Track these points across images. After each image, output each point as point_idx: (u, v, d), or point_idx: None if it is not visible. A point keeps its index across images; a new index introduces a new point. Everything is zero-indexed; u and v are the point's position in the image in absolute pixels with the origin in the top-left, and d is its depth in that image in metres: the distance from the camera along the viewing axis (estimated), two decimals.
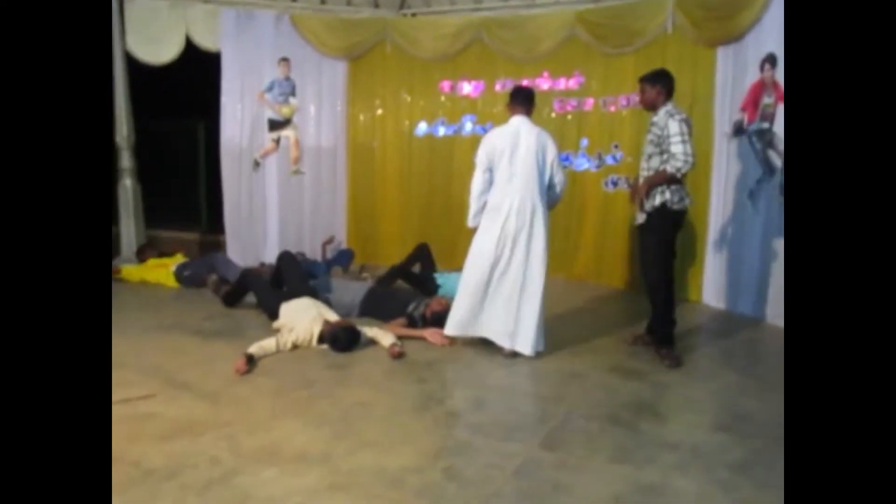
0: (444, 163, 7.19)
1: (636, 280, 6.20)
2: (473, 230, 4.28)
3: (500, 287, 4.14)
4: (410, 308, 4.85)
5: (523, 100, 4.27)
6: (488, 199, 4.18)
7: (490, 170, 4.16)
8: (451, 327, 4.31)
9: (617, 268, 6.34)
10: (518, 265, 4.09)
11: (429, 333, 4.31)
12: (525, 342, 4.15)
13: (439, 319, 4.71)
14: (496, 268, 4.13)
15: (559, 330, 4.85)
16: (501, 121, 6.54)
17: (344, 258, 6.56)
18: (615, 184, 6.35)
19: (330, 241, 6.87)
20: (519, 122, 4.21)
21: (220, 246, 7.22)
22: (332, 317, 4.45)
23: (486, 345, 4.48)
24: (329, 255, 6.79)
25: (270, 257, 6.61)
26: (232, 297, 5.38)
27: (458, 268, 4.45)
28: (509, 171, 4.12)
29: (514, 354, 4.20)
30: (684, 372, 4.07)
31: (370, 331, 4.38)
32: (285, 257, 5.27)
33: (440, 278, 5.64)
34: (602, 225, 6.41)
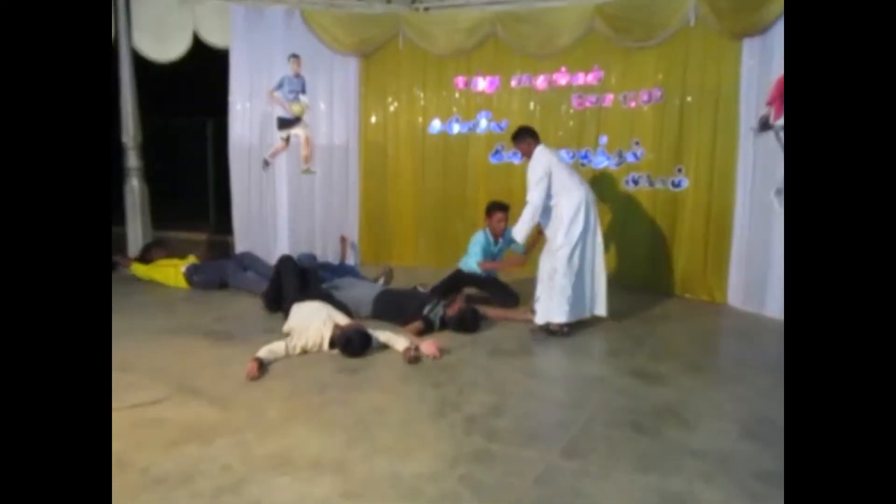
0: (459, 161, 7.18)
1: (660, 280, 6.18)
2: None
3: (592, 264, 4.88)
4: (427, 309, 4.83)
5: (531, 132, 5.06)
6: (560, 198, 4.79)
7: (548, 179, 4.81)
8: (565, 314, 4.71)
9: (638, 268, 6.30)
10: (595, 242, 4.86)
11: (425, 344, 4.27)
12: (603, 305, 4.93)
13: (462, 322, 4.73)
14: (586, 248, 4.81)
15: (577, 333, 4.84)
16: (518, 117, 6.59)
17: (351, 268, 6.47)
18: (636, 182, 6.30)
19: (344, 241, 6.85)
20: (543, 147, 5.00)
21: (228, 247, 7.23)
22: (343, 320, 4.44)
23: (502, 348, 4.47)
24: (349, 257, 6.76)
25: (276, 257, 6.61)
26: (274, 297, 5.18)
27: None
28: (567, 170, 4.96)
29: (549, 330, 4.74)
30: (710, 376, 4.03)
31: (383, 335, 4.37)
32: (285, 263, 5.25)
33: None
34: (622, 224, 6.36)
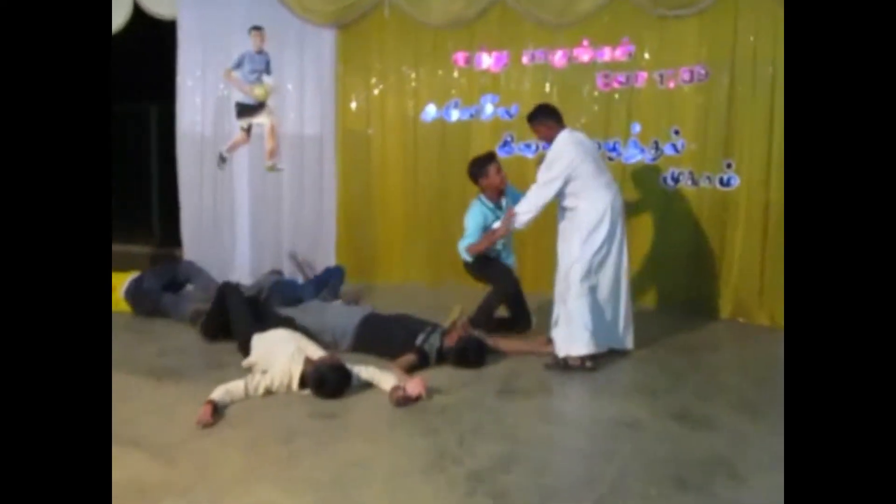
0: (459, 155, 7.15)
1: (706, 301, 6.19)
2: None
3: (617, 284, 4.92)
4: (420, 339, 4.82)
5: (552, 112, 5.07)
6: (579, 201, 4.83)
7: (565, 179, 4.83)
8: (586, 344, 4.69)
9: (679, 285, 6.33)
10: (621, 257, 4.90)
11: (410, 383, 4.24)
12: (629, 338, 5.02)
13: (463, 355, 4.73)
14: (607, 262, 4.84)
15: (604, 367, 4.84)
16: (531, 101, 6.56)
17: (333, 279, 6.48)
18: (676, 180, 6.32)
19: (271, 273, 6.63)
20: (569, 132, 5.01)
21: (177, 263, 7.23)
22: (316, 352, 4.42)
23: (513, 386, 4.46)
24: (308, 272, 6.77)
25: (239, 276, 6.60)
26: (212, 326, 5.27)
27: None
28: (596, 165, 4.94)
29: (589, 362, 4.74)
30: (769, 419, 4.02)
31: (366, 371, 4.36)
32: (227, 291, 5.23)
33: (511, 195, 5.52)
34: (660, 230, 6.38)
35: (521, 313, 5.59)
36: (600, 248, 4.78)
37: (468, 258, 5.48)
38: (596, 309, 4.79)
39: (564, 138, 4.92)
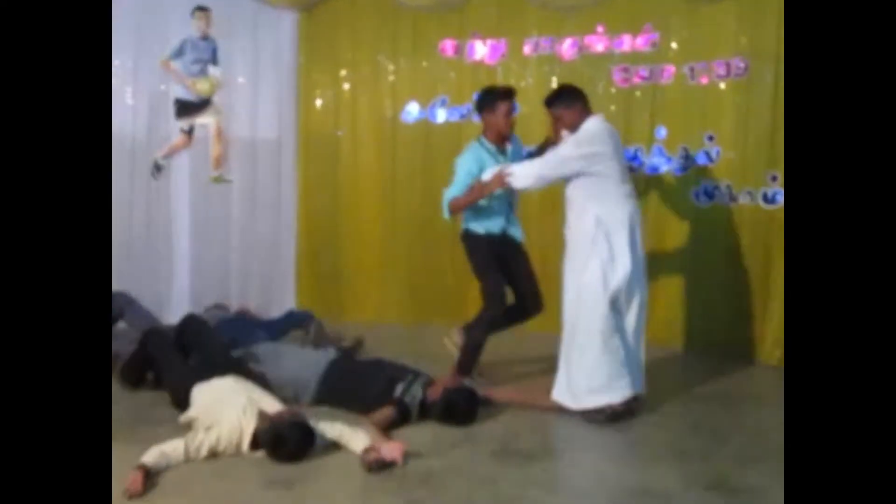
0: (447, 164, 7.06)
1: (747, 342, 6.18)
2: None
3: (639, 313, 4.94)
4: (399, 390, 4.79)
5: (580, 96, 5.05)
6: (590, 209, 4.83)
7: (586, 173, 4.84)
8: (625, 389, 4.77)
9: (714, 323, 6.33)
10: (639, 283, 4.92)
11: (386, 447, 4.18)
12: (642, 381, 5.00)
13: (450, 410, 4.71)
14: (619, 301, 4.84)
15: (624, 422, 4.83)
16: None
17: (296, 324, 6.39)
18: (710, 195, 6.35)
19: (216, 308, 6.62)
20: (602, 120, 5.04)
21: None
22: (272, 405, 4.39)
23: (512, 448, 4.44)
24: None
25: (177, 312, 6.53)
26: (132, 371, 5.28)
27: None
28: (621, 170, 4.95)
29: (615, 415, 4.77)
30: None
31: (332, 428, 4.33)
32: (191, 325, 5.23)
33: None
34: (690, 256, 6.42)
35: (527, 293, 5.50)
36: (627, 267, 4.80)
37: (447, 215, 5.37)
38: (612, 346, 4.79)
39: (598, 125, 4.93)
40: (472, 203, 5.22)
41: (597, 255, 4.78)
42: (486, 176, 5.06)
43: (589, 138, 4.84)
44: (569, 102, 5.00)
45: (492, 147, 5.34)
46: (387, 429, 4.51)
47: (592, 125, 4.90)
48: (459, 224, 6.01)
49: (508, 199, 5.37)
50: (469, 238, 5.45)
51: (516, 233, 5.51)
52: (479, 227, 5.39)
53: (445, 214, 5.34)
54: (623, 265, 4.78)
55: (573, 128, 4.95)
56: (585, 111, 4.99)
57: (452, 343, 5.47)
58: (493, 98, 5.31)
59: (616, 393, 4.77)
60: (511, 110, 5.29)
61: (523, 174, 4.91)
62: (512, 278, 5.46)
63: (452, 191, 5.28)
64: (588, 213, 4.83)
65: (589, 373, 4.77)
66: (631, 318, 4.89)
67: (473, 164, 5.26)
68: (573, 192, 4.91)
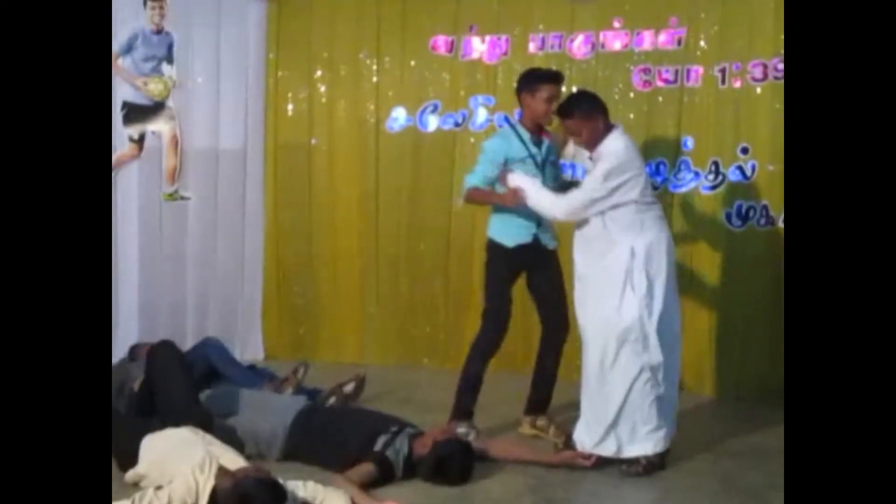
0: (439, 178, 7.29)
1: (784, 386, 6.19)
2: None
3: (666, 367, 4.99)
4: (381, 443, 4.81)
5: (601, 105, 5.10)
6: (631, 241, 4.91)
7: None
8: (661, 440, 4.90)
9: (751, 365, 6.41)
10: (675, 331, 5.09)
11: None
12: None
13: (442, 467, 4.73)
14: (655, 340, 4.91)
15: (639, 480, 4.90)
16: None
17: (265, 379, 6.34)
18: (745, 217, 6.43)
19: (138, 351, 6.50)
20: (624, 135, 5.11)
21: None
22: (235, 461, 4.40)
23: None
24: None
25: (121, 349, 6.52)
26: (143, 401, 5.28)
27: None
28: (649, 189, 5.11)
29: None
30: None
31: (305, 487, 4.33)
32: (161, 355, 5.24)
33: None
34: (723, 288, 6.50)
35: (550, 315, 5.59)
36: (664, 302, 4.93)
37: (461, 201, 5.54)
38: (662, 389, 4.92)
39: (624, 142, 4.98)
40: (489, 203, 5.43)
41: (633, 290, 4.86)
42: (512, 181, 5.18)
43: (619, 167, 4.87)
44: (590, 112, 4.99)
45: (526, 134, 5.42)
46: (367, 488, 4.52)
47: (617, 145, 4.94)
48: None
49: None
50: (492, 248, 5.53)
51: (548, 239, 5.54)
52: (506, 236, 5.44)
53: (460, 201, 5.52)
54: (660, 300, 4.89)
55: (592, 144, 5.00)
56: (607, 124, 5.03)
57: (535, 428, 5.57)
58: (535, 79, 5.37)
59: (650, 443, 4.87)
60: (553, 97, 5.31)
61: (547, 205, 5.07)
62: (536, 296, 5.60)
63: (472, 179, 5.43)
64: (620, 245, 4.90)
65: (626, 420, 4.86)
66: (667, 360, 4.93)
67: (500, 150, 5.37)
68: (598, 224, 4.96)
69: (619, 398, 4.86)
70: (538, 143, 5.42)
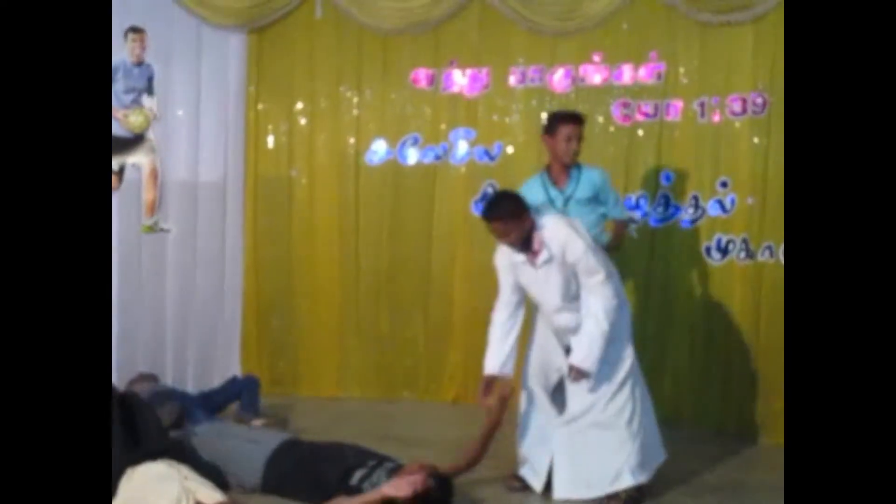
0: (419, 211, 7.32)
1: (773, 421, 6.18)
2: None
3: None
4: (356, 478, 4.80)
5: (522, 203, 5.04)
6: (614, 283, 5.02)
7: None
8: (620, 478, 4.93)
9: (731, 397, 6.41)
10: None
11: None
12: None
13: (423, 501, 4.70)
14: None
15: None
16: (521, 138, 6.73)
17: (245, 394, 6.40)
18: (724, 250, 6.45)
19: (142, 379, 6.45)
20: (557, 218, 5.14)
21: None
22: (211, 496, 4.39)
23: None
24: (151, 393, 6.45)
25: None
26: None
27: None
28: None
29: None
30: None
31: None
32: (130, 399, 5.21)
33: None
34: (703, 322, 6.51)
35: None
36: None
37: None
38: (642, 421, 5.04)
39: (558, 220, 5.03)
40: None
41: (623, 321, 5.07)
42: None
43: (577, 242, 4.86)
44: (517, 210, 4.91)
45: (549, 181, 5.49)
46: None
47: (557, 223, 4.98)
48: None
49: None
50: None
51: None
52: None
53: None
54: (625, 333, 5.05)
55: (522, 243, 4.92)
56: (531, 219, 4.95)
57: None
58: (554, 120, 5.48)
59: (630, 476, 4.90)
60: (572, 136, 5.39)
61: (595, 339, 4.89)
62: None
63: None
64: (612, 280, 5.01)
65: (610, 456, 4.92)
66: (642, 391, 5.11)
67: (531, 195, 5.35)
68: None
69: (605, 433, 4.98)
70: (562, 192, 5.47)
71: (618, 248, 5.73)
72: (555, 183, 5.48)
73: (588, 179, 5.49)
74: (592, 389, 4.95)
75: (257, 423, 5.98)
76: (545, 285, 4.97)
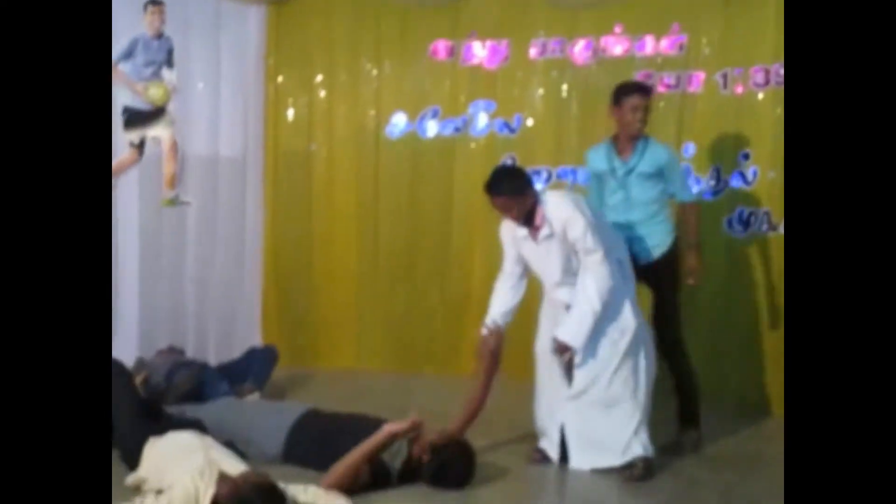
0: (439, 184, 7.33)
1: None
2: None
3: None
4: None
5: (525, 176, 5.27)
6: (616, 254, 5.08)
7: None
8: (633, 447, 4.96)
9: (752, 372, 6.40)
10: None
11: None
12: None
13: (442, 473, 4.72)
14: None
15: (639, 488, 4.89)
16: (541, 111, 6.72)
17: (258, 365, 6.48)
18: (746, 223, 6.43)
19: (143, 377, 6.49)
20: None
21: None
22: (235, 466, 4.37)
23: None
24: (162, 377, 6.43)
25: (124, 357, 6.49)
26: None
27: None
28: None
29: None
30: None
31: (306, 492, 4.33)
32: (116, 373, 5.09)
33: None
34: (723, 296, 6.49)
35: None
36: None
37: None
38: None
39: (560, 196, 5.20)
40: None
41: (626, 296, 5.05)
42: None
43: (577, 215, 4.86)
44: (520, 186, 5.02)
45: (614, 149, 5.48)
46: (360, 490, 4.52)
47: (560, 198, 5.10)
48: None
49: (618, 204, 5.51)
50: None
51: (643, 250, 5.51)
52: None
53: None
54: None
55: (525, 218, 4.99)
56: (533, 192, 5.07)
57: None
58: (621, 91, 5.43)
59: (640, 447, 4.93)
60: (638, 107, 5.35)
61: (586, 317, 4.91)
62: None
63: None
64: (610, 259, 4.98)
65: (619, 429, 4.96)
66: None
67: (596, 161, 5.57)
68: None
69: (619, 403, 5.02)
70: (625, 163, 5.44)
71: (699, 244, 5.61)
72: (619, 153, 5.46)
73: (652, 154, 5.43)
74: (594, 364, 4.97)
75: (251, 396, 5.98)
76: (546, 260, 5.03)
